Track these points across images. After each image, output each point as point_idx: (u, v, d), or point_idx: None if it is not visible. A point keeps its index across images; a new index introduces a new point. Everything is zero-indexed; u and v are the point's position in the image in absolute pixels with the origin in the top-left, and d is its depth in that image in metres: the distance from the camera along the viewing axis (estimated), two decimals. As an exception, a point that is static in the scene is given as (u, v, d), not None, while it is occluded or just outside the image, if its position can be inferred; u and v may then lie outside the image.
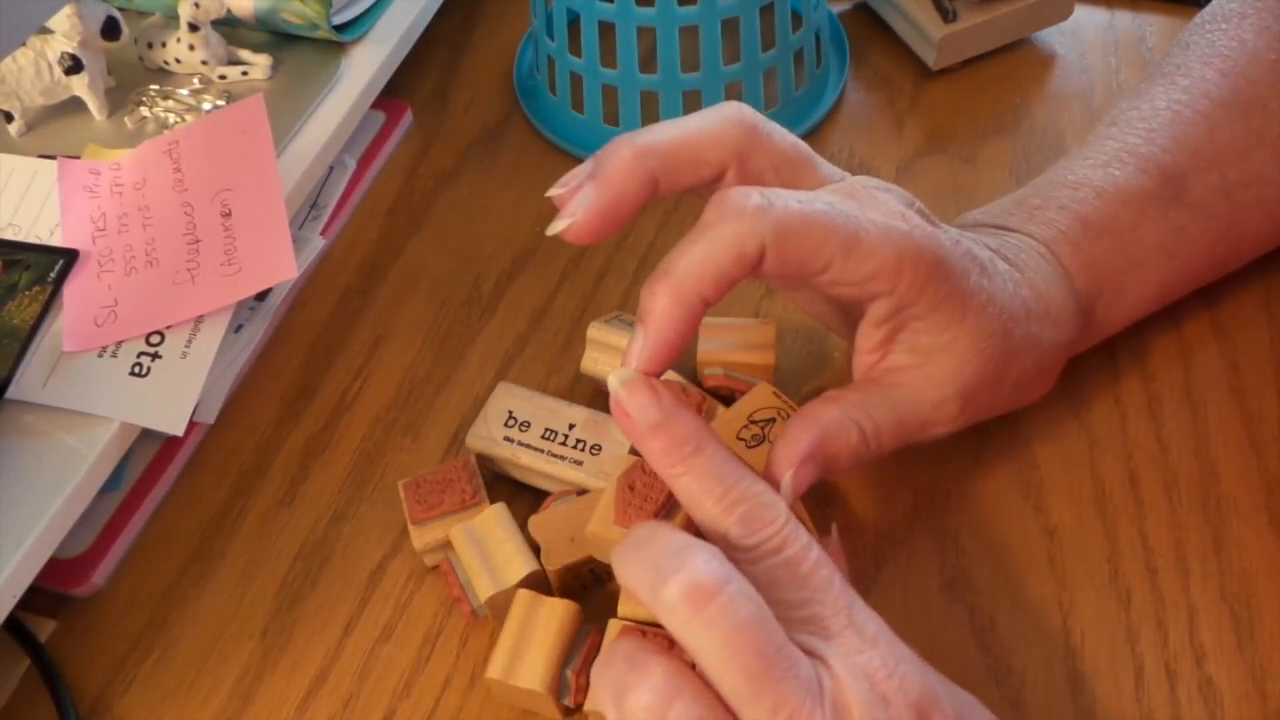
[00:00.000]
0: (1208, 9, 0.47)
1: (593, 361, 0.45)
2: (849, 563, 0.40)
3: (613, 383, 0.34)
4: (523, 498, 0.43)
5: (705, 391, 0.43)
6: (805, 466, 0.36)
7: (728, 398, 0.43)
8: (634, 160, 0.35)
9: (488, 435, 0.42)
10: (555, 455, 0.42)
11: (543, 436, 0.42)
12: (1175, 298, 0.45)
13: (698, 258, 0.33)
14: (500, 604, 0.38)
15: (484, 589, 0.38)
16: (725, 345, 0.44)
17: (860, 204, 0.35)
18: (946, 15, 0.56)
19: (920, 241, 0.35)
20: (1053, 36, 0.59)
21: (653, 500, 0.37)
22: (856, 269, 0.34)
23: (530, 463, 0.42)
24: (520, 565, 0.38)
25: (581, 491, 0.41)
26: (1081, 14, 0.59)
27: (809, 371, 0.46)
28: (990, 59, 0.58)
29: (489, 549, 0.39)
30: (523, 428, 0.42)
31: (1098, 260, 0.42)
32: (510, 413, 0.43)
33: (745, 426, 0.41)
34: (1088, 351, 0.45)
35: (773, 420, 0.41)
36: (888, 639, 0.31)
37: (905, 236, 0.35)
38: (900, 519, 0.42)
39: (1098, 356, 0.45)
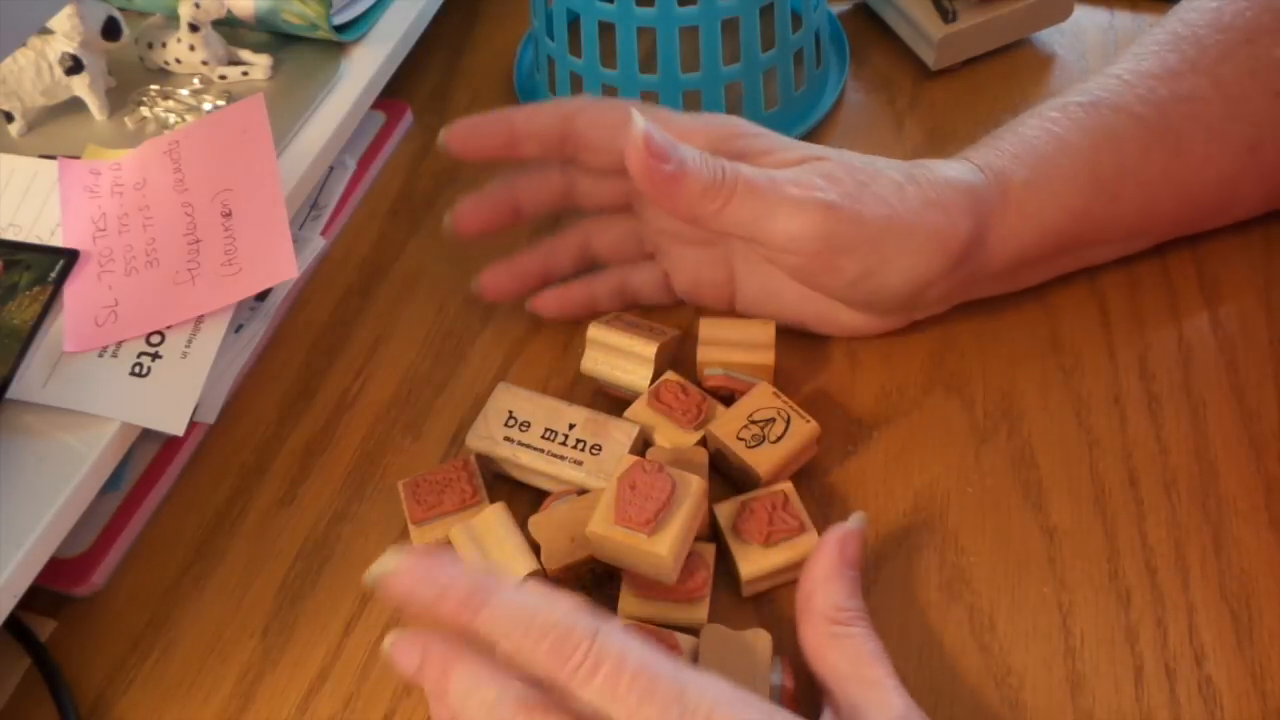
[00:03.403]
0: None
1: (593, 361, 0.45)
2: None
3: (375, 570, 0.33)
4: (523, 498, 0.43)
5: (705, 391, 0.43)
6: (656, 130, 0.40)
7: (728, 398, 0.43)
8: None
9: (488, 435, 0.42)
10: (555, 455, 0.42)
11: (543, 436, 0.42)
12: (1126, 207, 0.44)
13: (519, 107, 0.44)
14: None
15: None
16: (725, 346, 0.44)
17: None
18: (946, 15, 0.56)
19: (730, 118, 0.44)
20: (1053, 36, 0.59)
21: (655, 499, 0.37)
22: (672, 134, 0.41)
23: (530, 463, 0.42)
24: (520, 565, 0.38)
25: (581, 491, 0.41)
26: (1081, 14, 0.59)
27: (809, 371, 0.46)
28: (990, 59, 0.58)
29: (488, 548, 0.39)
30: (523, 428, 0.42)
31: (1004, 150, 0.43)
32: (510, 413, 0.43)
33: (745, 426, 0.41)
34: (1088, 351, 0.45)
35: (772, 420, 0.41)
36: (723, 706, 0.30)
37: (714, 117, 0.44)
38: (900, 519, 0.42)
39: (1098, 356, 0.45)
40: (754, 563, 0.39)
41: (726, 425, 0.41)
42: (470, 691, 0.32)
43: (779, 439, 0.41)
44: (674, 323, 0.47)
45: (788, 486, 0.40)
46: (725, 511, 0.40)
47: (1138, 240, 0.47)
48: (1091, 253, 0.46)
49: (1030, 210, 0.42)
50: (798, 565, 0.39)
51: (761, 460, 0.41)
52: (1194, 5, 0.46)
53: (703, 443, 0.42)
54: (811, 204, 0.40)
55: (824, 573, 0.37)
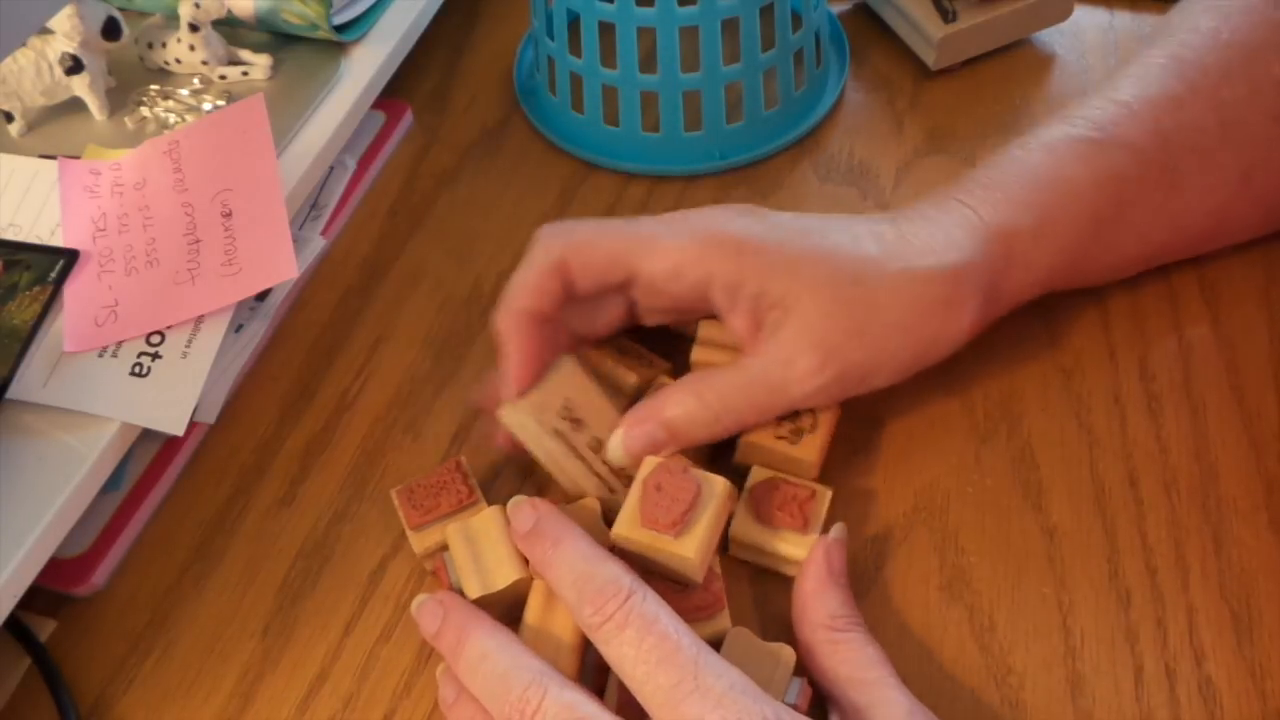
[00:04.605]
0: None
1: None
2: (850, 564, 0.40)
3: (510, 507, 0.38)
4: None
5: None
6: (637, 428, 0.39)
7: None
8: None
9: (537, 417, 0.40)
10: (595, 473, 0.40)
11: (590, 446, 0.41)
12: (1121, 241, 0.44)
13: (515, 281, 0.41)
14: (489, 605, 0.38)
15: (472, 590, 0.38)
16: (720, 348, 0.43)
17: (669, 222, 0.41)
18: (946, 15, 0.56)
19: (721, 229, 0.40)
20: (1053, 36, 0.59)
21: (681, 501, 0.37)
22: (662, 263, 0.40)
23: (571, 469, 0.40)
24: (509, 571, 0.38)
25: (568, 501, 0.41)
26: (1081, 14, 0.59)
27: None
28: (990, 59, 0.58)
29: (482, 549, 0.38)
30: (575, 426, 0.41)
31: (1012, 195, 0.42)
32: (567, 403, 0.41)
33: (778, 426, 0.41)
34: (1088, 352, 0.45)
35: (798, 413, 0.42)
36: (736, 694, 0.31)
37: (702, 230, 0.40)
38: (900, 519, 0.42)
39: (1098, 357, 0.45)
40: (742, 526, 0.40)
41: (760, 431, 0.41)
42: (481, 660, 0.34)
43: (814, 428, 0.41)
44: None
45: (825, 491, 0.40)
46: (758, 475, 0.41)
47: (1125, 272, 0.46)
48: (1083, 282, 0.46)
49: (1033, 262, 0.42)
50: (783, 559, 0.39)
51: (810, 451, 0.41)
52: (1193, 24, 0.45)
53: (726, 451, 0.42)
54: (821, 391, 0.40)
55: (815, 585, 0.37)
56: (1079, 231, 0.42)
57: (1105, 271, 0.46)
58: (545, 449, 0.40)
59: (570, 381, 0.41)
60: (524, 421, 0.40)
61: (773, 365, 0.39)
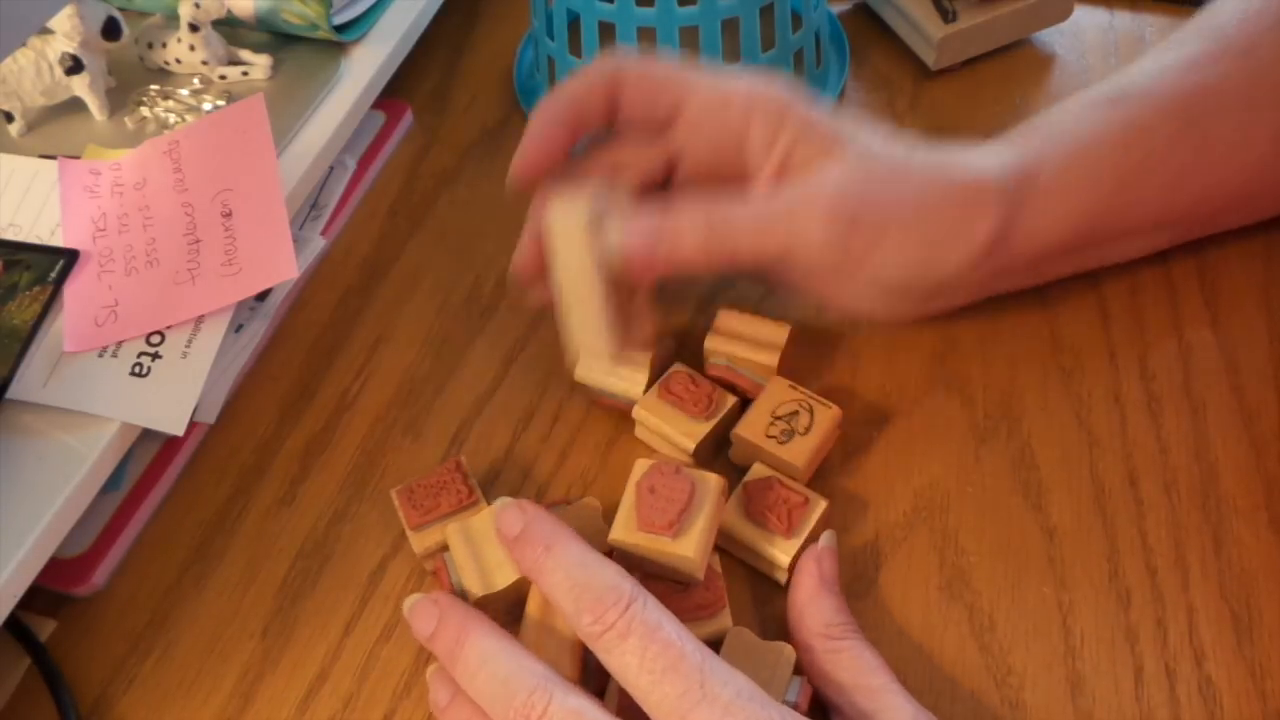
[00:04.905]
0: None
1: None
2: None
3: (496, 510, 0.38)
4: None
5: (711, 380, 0.43)
6: (641, 228, 0.39)
7: (728, 389, 0.43)
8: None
9: (590, 219, 0.39)
10: (606, 315, 0.40)
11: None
12: (1146, 201, 0.43)
13: (563, 85, 0.42)
14: (489, 605, 0.38)
15: (474, 590, 0.38)
16: (735, 339, 0.44)
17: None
18: (946, 15, 0.56)
19: (769, 86, 0.42)
20: (1052, 36, 0.59)
21: (676, 502, 0.37)
22: (710, 95, 0.42)
23: (593, 293, 0.39)
24: (510, 570, 0.38)
25: (569, 501, 0.41)
26: (1081, 14, 0.59)
27: (810, 371, 0.46)
28: (990, 59, 0.58)
29: (482, 549, 0.39)
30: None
31: (1033, 142, 0.42)
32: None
33: (771, 424, 0.41)
34: (1088, 351, 0.45)
35: (796, 413, 0.41)
36: (743, 700, 0.31)
37: (752, 81, 0.42)
38: (900, 519, 0.42)
39: (1098, 356, 0.45)
40: (729, 519, 0.40)
41: (753, 427, 0.41)
42: (482, 664, 0.34)
43: (807, 430, 0.41)
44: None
45: (819, 500, 0.40)
46: (757, 472, 0.41)
47: (1160, 234, 0.45)
48: (1113, 247, 0.45)
49: (1055, 205, 0.42)
50: (765, 560, 0.39)
51: (797, 455, 0.41)
52: (1217, 7, 0.45)
53: (727, 446, 0.43)
54: (828, 244, 0.39)
55: (808, 594, 0.37)
56: (1102, 181, 0.42)
57: (1136, 235, 0.45)
58: (578, 258, 0.39)
59: (624, 207, 0.40)
60: (574, 218, 0.39)
61: (787, 200, 0.40)
